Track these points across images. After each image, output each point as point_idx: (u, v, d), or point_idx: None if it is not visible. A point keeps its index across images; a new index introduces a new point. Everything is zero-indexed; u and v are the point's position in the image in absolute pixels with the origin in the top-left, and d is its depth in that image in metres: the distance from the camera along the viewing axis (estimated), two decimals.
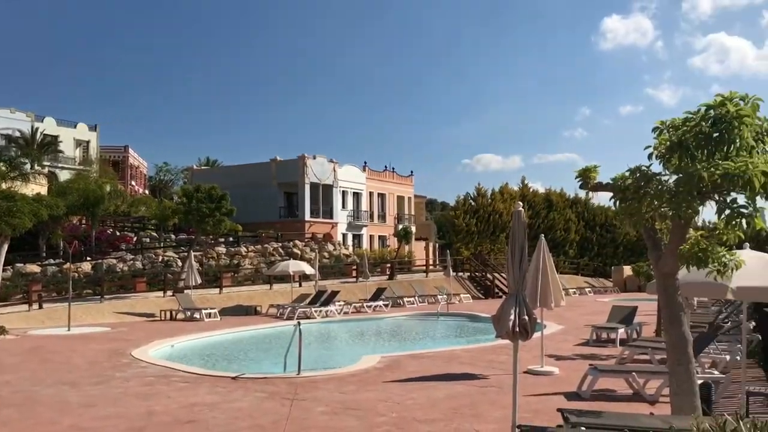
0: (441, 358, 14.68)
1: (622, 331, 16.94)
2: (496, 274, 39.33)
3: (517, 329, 6.58)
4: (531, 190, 56.03)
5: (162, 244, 38.81)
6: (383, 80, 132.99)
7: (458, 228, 51.69)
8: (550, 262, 12.97)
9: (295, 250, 39.44)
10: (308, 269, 28.14)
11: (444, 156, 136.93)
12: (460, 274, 40.68)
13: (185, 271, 27.66)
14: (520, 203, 7.18)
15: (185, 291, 27.18)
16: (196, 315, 24.14)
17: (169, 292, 28.51)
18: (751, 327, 16.63)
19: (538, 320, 13.66)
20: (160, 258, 35.61)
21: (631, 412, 7.87)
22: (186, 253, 30.67)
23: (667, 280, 6.56)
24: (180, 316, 24.66)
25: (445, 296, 30.86)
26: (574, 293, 40.24)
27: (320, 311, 25.22)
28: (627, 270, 45.16)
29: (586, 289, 42.30)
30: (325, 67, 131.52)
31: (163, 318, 24.86)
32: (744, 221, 5.65)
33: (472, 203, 53.19)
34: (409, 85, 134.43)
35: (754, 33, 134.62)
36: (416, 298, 32.09)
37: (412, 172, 61.37)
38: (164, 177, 78.58)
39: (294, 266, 27.82)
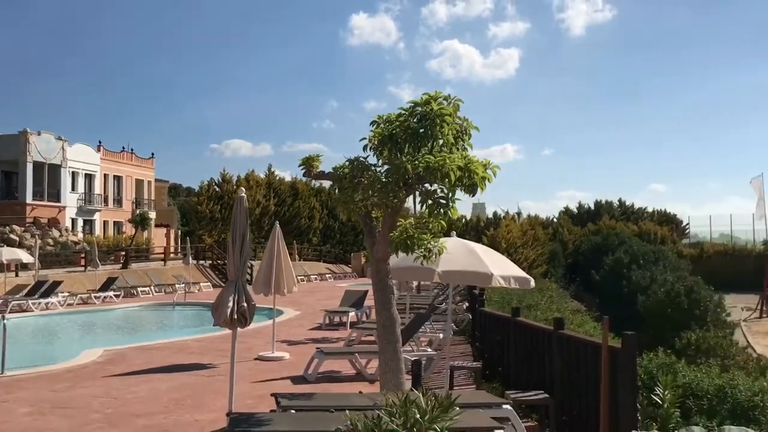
0: (171, 349, 14.18)
1: (352, 314, 17.76)
2: None
3: (235, 316, 6.51)
4: (278, 178, 56.45)
5: None
6: (124, 55, 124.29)
7: (201, 215, 50.34)
8: (284, 249, 13.12)
9: (13, 236, 35.38)
10: (26, 257, 25.37)
11: (191, 139, 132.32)
12: (202, 262, 39.70)
13: None
14: (243, 189, 7.12)
15: None
16: None
17: None
18: (465, 308, 18.47)
19: (273, 307, 13.89)
20: None
21: (343, 392, 8.24)
22: None
23: (380, 265, 6.95)
24: None
25: (183, 285, 29.88)
26: (316, 279, 41.44)
27: (39, 303, 22.90)
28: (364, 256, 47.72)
29: (327, 275, 43.77)
30: (56, 34, 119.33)
31: None
32: (443, 211, 6.19)
33: (217, 189, 52.10)
34: (154, 62, 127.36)
35: (482, 43, 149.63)
36: (152, 287, 30.63)
37: (153, 154, 58.41)
38: None
39: (8, 254, 24.84)
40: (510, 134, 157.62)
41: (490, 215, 54.70)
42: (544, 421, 8.18)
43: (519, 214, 53.98)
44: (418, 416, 4.00)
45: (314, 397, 6.40)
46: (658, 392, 6.74)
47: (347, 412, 4.60)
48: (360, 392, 7.58)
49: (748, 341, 27.25)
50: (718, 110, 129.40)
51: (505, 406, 6.36)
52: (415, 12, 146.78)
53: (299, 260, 45.23)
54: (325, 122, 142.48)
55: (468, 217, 53.20)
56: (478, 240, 37.22)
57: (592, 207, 62.59)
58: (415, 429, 3.95)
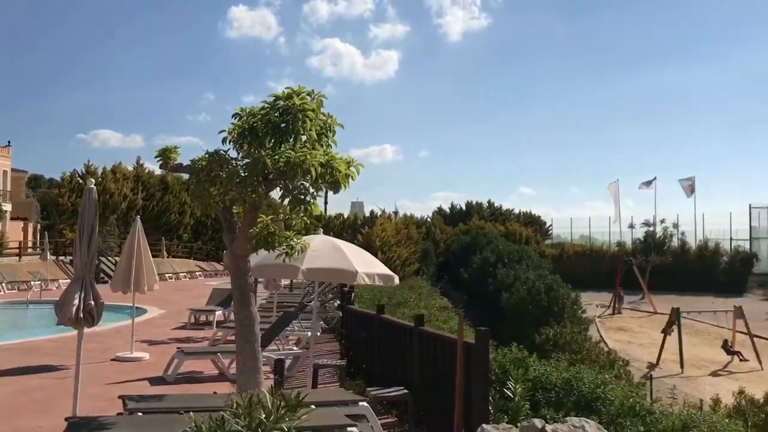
0: (20, 350, 13.29)
1: (219, 313, 17.30)
2: (102, 258, 37.08)
3: (81, 315, 6.13)
4: (147, 171, 54.16)
5: None
6: None
7: (62, 208, 47.43)
8: (145, 245, 12.57)
9: None
10: None
11: (55, 129, 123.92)
12: (62, 258, 37.42)
13: None
14: (92, 180, 6.73)
15: None
16: None
17: None
18: (336, 305, 18.50)
19: (132, 305, 13.26)
20: None
21: (197, 393, 8.00)
22: None
23: (240, 262, 6.76)
24: None
25: (39, 282, 28.00)
26: (185, 277, 40.16)
27: None
28: None
29: (197, 273, 42.54)
30: None
31: None
32: (303, 207, 6.11)
33: (80, 181, 49.22)
34: (20, 47, 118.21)
35: (363, 43, 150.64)
36: (4, 284, 28.55)
37: (9, 142, 54.25)
38: None
39: None
40: (389, 134, 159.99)
41: (369, 214, 55.28)
42: (403, 416, 8.31)
43: (396, 213, 54.89)
44: (263, 417, 3.92)
45: (165, 398, 6.14)
46: (510, 386, 7.04)
47: (191, 413, 4.44)
48: (214, 393, 7.37)
49: (601, 336, 29.16)
50: (582, 118, 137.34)
51: (361, 404, 6.38)
52: (297, 8, 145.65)
53: (168, 257, 43.67)
54: (201, 115, 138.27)
55: (346, 216, 53.55)
56: (354, 238, 37.49)
57: (464, 208, 64.68)
58: (259, 429, 3.87)
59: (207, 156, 6.34)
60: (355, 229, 47.15)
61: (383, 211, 51.59)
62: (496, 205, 65.90)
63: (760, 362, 24.37)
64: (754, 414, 9.62)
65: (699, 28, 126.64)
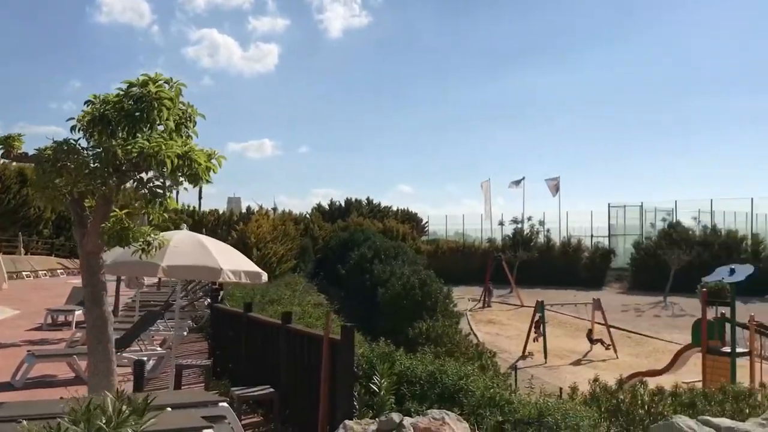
0: None
1: (79, 313, 16.29)
2: None
3: None
4: (2, 162, 50.35)
5: None
6: None
7: None
8: None
9: None
10: None
11: None
12: None
13: None
14: None
15: None
16: None
17: None
18: (206, 304, 17.97)
19: None
20: None
21: (41, 399, 7.49)
22: None
23: (91, 259, 6.36)
24: None
25: None
26: (45, 275, 37.74)
27: None
28: None
29: (59, 271, 40.10)
30: None
31: None
32: (159, 201, 5.83)
33: None
34: None
35: (242, 35, 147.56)
36: None
37: None
38: None
39: None
40: (269, 129, 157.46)
41: (245, 210, 54.27)
42: (269, 415, 8.15)
43: (275, 209, 54.21)
44: (102, 422, 3.69)
45: (1, 406, 5.66)
46: (376, 380, 7.05)
47: (25, 422, 4.13)
48: (61, 398, 6.89)
49: (471, 329, 30.14)
50: (458, 118, 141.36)
51: (221, 404, 6.17)
52: None
53: (26, 254, 40.91)
54: (67, 103, 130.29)
55: (221, 211, 52.27)
56: (228, 234, 36.61)
57: (343, 205, 64.88)
58: None
59: (54, 145, 5.92)
60: (230, 225, 46.06)
61: (260, 207, 50.77)
62: (375, 202, 66.56)
63: (615, 351, 26.04)
64: (606, 400, 10.17)
65: (567, 31, 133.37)
